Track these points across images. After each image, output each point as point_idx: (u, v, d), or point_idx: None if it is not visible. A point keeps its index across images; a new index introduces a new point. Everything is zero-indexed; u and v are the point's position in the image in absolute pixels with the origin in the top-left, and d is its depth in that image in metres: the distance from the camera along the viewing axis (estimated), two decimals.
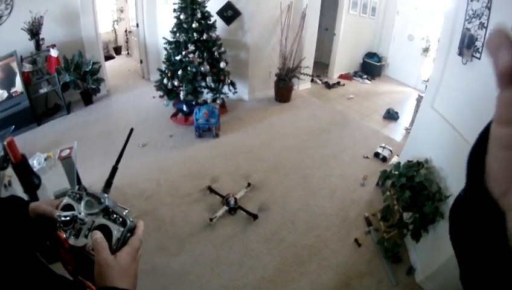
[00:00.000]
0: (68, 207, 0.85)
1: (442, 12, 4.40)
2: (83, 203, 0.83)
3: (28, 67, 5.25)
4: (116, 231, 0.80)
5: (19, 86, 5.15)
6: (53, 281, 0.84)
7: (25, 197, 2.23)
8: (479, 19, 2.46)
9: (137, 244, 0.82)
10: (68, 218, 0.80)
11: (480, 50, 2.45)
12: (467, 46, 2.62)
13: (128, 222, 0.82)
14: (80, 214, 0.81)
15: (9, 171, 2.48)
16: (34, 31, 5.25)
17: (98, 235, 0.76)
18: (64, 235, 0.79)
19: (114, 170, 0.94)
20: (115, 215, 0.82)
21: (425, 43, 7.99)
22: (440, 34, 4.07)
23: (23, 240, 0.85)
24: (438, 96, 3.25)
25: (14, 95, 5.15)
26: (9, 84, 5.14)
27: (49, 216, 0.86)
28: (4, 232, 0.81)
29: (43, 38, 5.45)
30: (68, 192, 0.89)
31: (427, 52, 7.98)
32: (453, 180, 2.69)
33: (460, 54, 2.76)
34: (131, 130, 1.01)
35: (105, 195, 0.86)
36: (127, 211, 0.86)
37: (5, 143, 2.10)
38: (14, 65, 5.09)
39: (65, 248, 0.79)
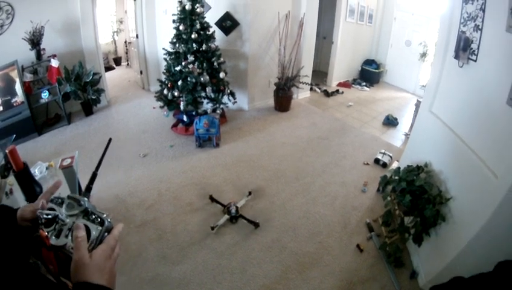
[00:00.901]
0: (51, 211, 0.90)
1: (439, 16, 4.45)
2: (64, 205, 0.88)
3: (28, 77, 5.28)
4: (95, 231, 0.84)
5: (19, 95, 5.18)
6: (40, 283, 0.87)
7: None
8: (474, 21, 2.49)
9: (112, 242, 0.86)
10: (50, 216, 0.85)
11: (476, 52, 2.47)
12: (463, 48, 2.65)
13: (106, 222, 0.87)
14: (61, 215, 0.86)
15: (11, 179, 2.48)
16: (35, 41, 5.29)
17: (81, 233, 0.80)
18: (46, 233, 0.83)
19: (93, 176, 1.02)
20: (93, 216, 0.87)
21: (422, 48, 8.05)
22: (436, 38, 4.10)
23: (12, 246, 0.90)
24: (436, 100, 3.28)
25: (14, 104, 5.17)
26: (10, 93, 5.17)
27: (35, 217, 0.92)
28: None
29: (43, 49, 5.50)
30: (51, 197, 0.94)
31: (424, 57, 8.04)
32: (453, 182, 2.70)
33: (457, 57, 2.79)
34: (110, 140, 1.11)
35: (85, 199, 0.91)
36: (105, 214, 0.90)
37: (7, 151, 2.11)
38: (15, 74, 5.12)
39: (46, 246, 0.83)
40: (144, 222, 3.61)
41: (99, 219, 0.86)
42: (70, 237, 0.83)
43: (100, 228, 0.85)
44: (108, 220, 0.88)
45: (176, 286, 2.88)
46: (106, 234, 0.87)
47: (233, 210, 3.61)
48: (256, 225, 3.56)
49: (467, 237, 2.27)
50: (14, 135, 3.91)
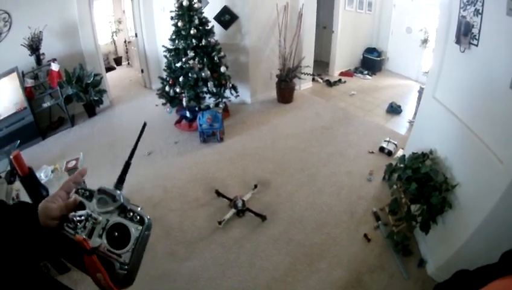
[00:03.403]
0: (78, 205, 0.80)
1: (438, 2, 4.40)
2: (95, 201, 0.79)
3: (30, 82, 5.30)
4: (134, 230, 0.76)
5: (22, 101, 5.19)
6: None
7: None
8: (474, 5, 2.45)
9: None
10: (83, 217, 0.76)
11: (477, 37, 2.44)
12: (464, 33, 2.62)
13: (146, 219, 0.78)
14: (92, 212, 0.77)
15: (17, 185, 2.50)
16: (34, 46, 5.31)
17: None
18: (83, 237, 0.74)
19: (127, 165, 0.90)
20: (131, 213, 0.78)
21: (423, 34, 7.97)
22: (437, 24, 4.07)
23: (29, 251, 0.78)
24: (439, 86, 3.25)
25: (17, 110, 5.19)
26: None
27: (64, 213, 0.79)
28: (10, 243, 0.75)
29: (43, 53, 5.51)
30: (75, 189, 0.84)
31: (426, 44, 7.97)
32: (459, 169, 2.68)
33: (458, 42, 2.76)
34: (145, 124, 0.98)
35: (119, 192, 0.81)
36: (139, 208, 0.82)
37: (11, 157, 2.13)
38: (16, 81, 5.13)
39: (86, 250, 0.73)
40: (151, 220, 3.62)
41: (138, 217, 0.78)
42: (105, 237, 0.75)
43: (140, 227, 0.77)
44: (148, 217, 0.79)
45: (186, 282, 2.90)
46: (147, 233, 0.78)
47: (239, 204, 3.62)
48: (263, 217, 3.56)
49: (474, 224, 2.26)
50: (19, 141, 3.93)
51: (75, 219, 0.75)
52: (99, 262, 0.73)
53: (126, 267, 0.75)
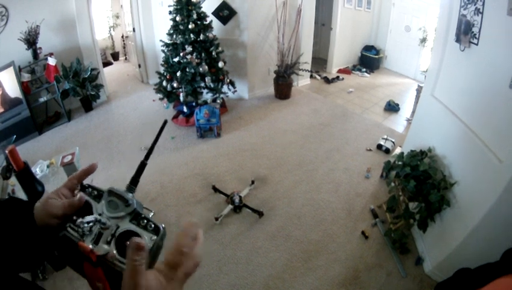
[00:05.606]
0: (84, 206, 0.71)
1: (438, 1, 4.39)
2: (104, 202, 0.70)
3: (26, 76, 5.24)
4: (148, 240, 0.66)
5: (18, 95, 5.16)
6: None
7: None
8: (474, 4, 2.45)
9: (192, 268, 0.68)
10: (91, 224, 0.66)
11: (477, 36, 2.44)
12: (464, 32, 2.61)
13: (161, 228, 0.68)
14: (100, 216, 0.68)
15: (13, 180, 2.48)
16: (31, 40, 5.26)
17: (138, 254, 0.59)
18: (90, 246, 0.63)
19: (143, 165, 0.83)
20: (145, 221, 0.69)
21: (422, 33, 7.97)
22: (437, 23, 4.06)
23: (22, 253, 0.70)
24: (438, 84, 3.24)
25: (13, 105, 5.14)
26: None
27: (68, 212, 0.70)
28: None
29: (40, 48, 5.46)
30: (82, 186, 0.76)
31: (424, 43, 7.97)
32: (457, 167, 2.68)
33: (458, 40, 2.76)
34: (165, 121, 0.89)
35: (131, 195, 0.74)
36: (152, 213, 0.73)
37: (6, 151, 2.10)
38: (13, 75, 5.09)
39: (92, 261, 0.63)
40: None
41: (152, 226, 0.68)
42: (114, 245, 0.65)
43: (155, 237, 0.66)
44: (163, 226, 0.69)
45: None
46: (161, 243, 0.68)
47: (236, 200, 3.61)
48: (260, 214, 3.55)
49: (472, 223, 2.26)
50: (15, 136, 3.90)
51: (81, 225, 0.65)
52: (103, 274, 0.64)
53: None
